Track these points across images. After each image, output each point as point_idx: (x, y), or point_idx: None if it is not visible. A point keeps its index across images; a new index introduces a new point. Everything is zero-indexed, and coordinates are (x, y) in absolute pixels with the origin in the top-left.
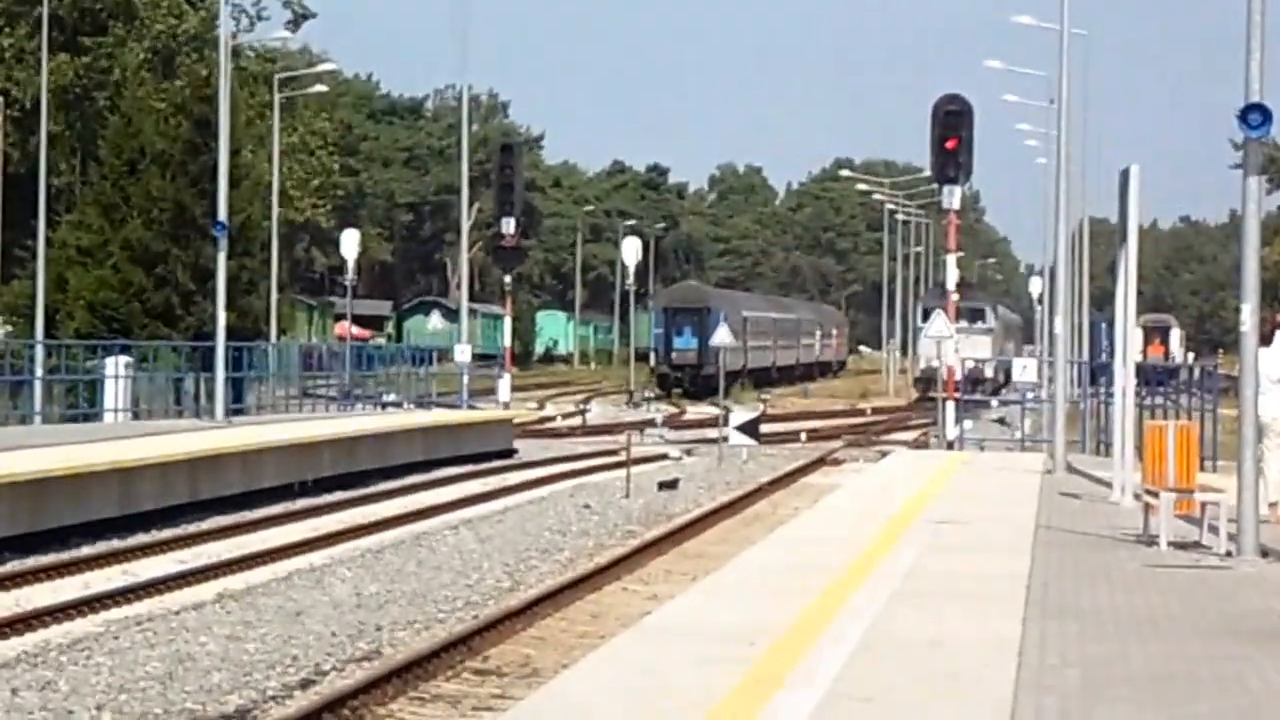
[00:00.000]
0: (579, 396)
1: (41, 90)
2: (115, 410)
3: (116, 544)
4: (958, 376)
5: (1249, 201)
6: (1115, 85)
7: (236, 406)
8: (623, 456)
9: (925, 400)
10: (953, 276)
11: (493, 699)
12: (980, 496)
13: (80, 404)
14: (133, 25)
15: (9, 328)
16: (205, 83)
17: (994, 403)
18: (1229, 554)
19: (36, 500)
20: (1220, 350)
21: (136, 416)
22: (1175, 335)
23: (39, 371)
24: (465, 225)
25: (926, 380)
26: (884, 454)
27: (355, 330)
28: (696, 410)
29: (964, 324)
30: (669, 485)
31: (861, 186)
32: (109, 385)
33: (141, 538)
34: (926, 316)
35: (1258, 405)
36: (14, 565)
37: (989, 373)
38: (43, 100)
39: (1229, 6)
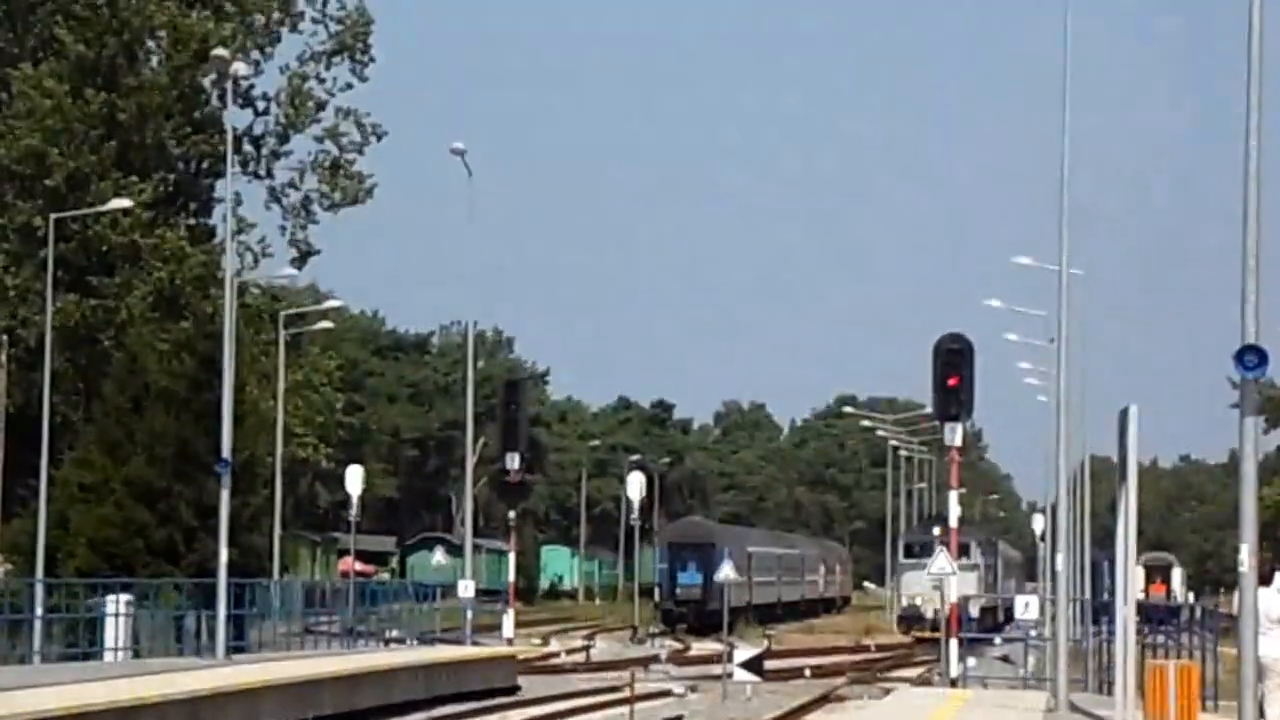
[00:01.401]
0: (583, 632)
1: (46, 330)
2: (115, 649)
3: None
4: (942, 616)
5: (1246, 442)
6: (1114, 324)
7: (238, 644)
8: (626, 693)
9: (924, 641)
10: (954, 513)
11: None
12: None
13: (80, 642)
14: (138, 268)
15: (9, 566)
16: (210, 320)
17: (997, 640)
18: None
19: None
20: (1221, 589)
21: (137, 655)
22: (1176, 574)
23: (39, 610)
24: (470, 461)
25: (910, 618)
26: (888, 691)
27: (359, 566)
28: (701, 646)
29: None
30: None
31: (864, 423)
32: (109, 623)
33: None
34: (909, 552)
35: (1258, 645)
36: None
37: (975, 611)
38: (47, 340)
39: (1226, 250)
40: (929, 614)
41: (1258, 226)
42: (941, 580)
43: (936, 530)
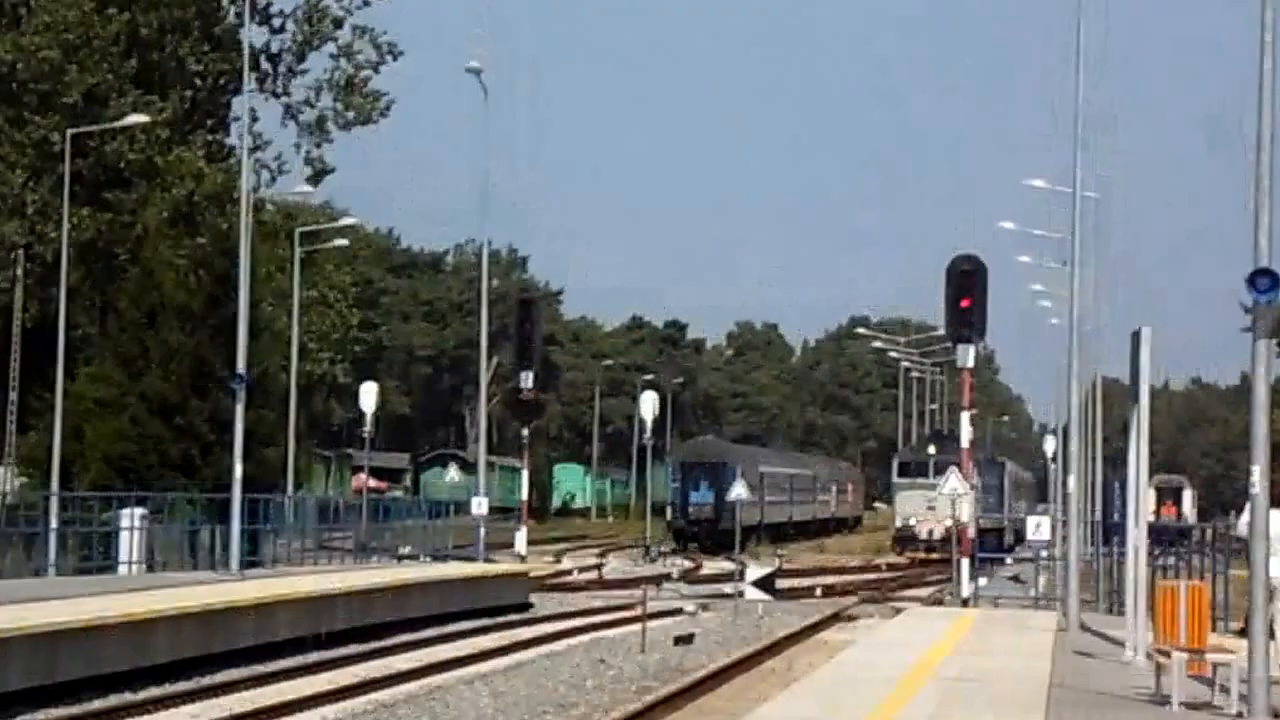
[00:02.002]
0: (596, 550)
1: (63, 245)
2: (130, 562)
3: (129, 698)
4: (937, 537)
5: (1258, 365)
6: (1126, 246)
7: (252, 559)
8: (638, 611)
9: (925, 563)
10: (966, 434)
11: None
12: (994, 653)
13: (95, 556)
14: (155, 184)
15: (25, 479)
16: (226, 236)
17: (1009, 560)
18: (1240, 715)
19: (49, 653)
20: (1232, 512)
21: (151, 569)
22: (1187, 496)
23: (54, 523)
24: (484, 379)
25: (904, 539)
26: (899, 610)
27: (372, 482)
28: (713, 565)
29: (941, 479)
30: (685, 640)
31: (877, 344)
32: (124, 537)
33: (154, 691)
34: (904, 472)
35: (1268, 567)
36: (25, 719)
37: (970, 531)
38: (63, 254)
39: (1238, 174)
40: (923, 534)
41: (1270, 148)
42: (937, 501)
43: (932, 449)
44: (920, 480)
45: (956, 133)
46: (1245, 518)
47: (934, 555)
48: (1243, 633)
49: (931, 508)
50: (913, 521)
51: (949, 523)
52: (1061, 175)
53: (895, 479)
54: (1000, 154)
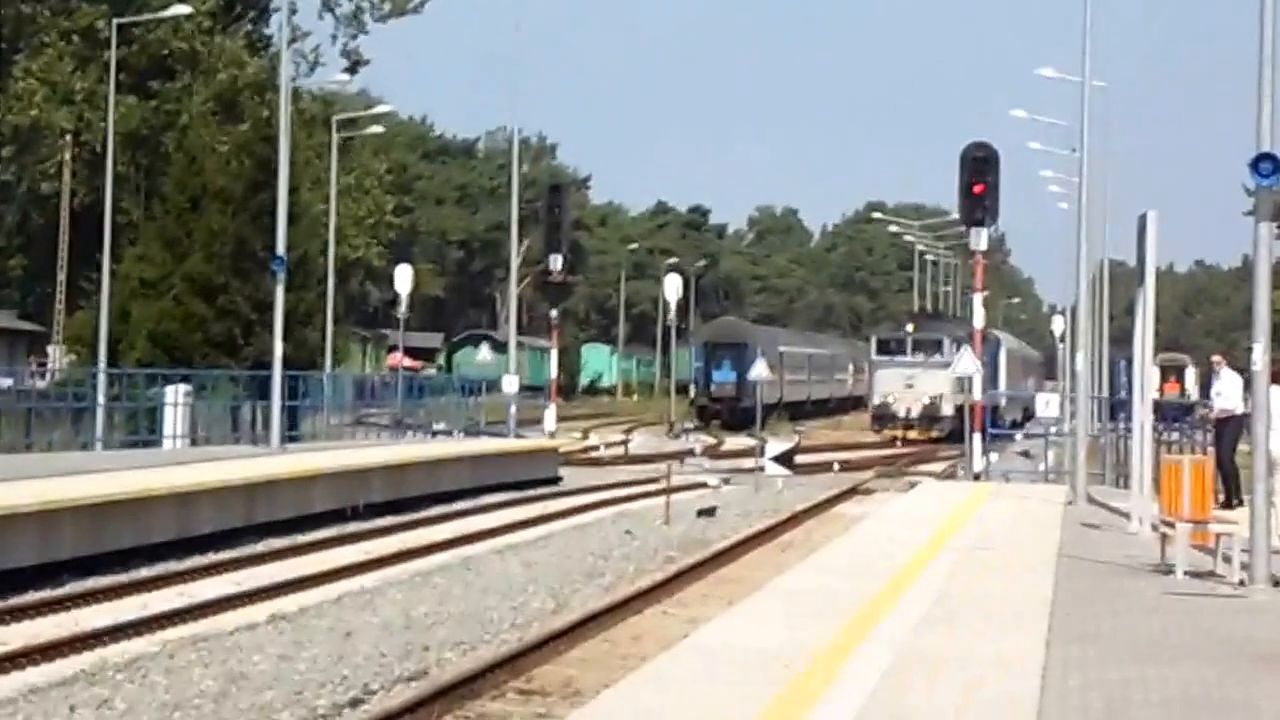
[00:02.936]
0: (622, 427)
1: (108, 131)
2: (174, 437)
3: (174, 566)
4: (915, 415)
5: (1259, 247)
6: (1133, 133)
7: (292, 434)
8: (663, 485)
9: (906, 441)
10: (979, 316)
11: (536, 718)
12: (1005, 526)
13: (140, 431)
14: (198, 73)
15: (73, 356)
16: (266, 124)
17: (1019, 436)
18: (1242, 583)
19: (97, 524)
20: (1216, 393)
21: (194, 443)
22: (1190, 374)
23: (101, 399)
24: (514, 262)
25: (882, 416)
26: (913, 484)
27: (407, 361)
28: (734, 441)
29: (920, 357)
30: (707, 513)
31: (893, 228)
32: (168, 413)
33: (199, 560)
34: (882, 349)
35: (1269, 441)
36: (74, 587)
37: (948, 410)
38: (109, 140)
39: (1242, 59)
40: (901, 413)
41: (1274, 33)
42: (915, 379)
43: (910, 328)
44: (899, 359)
45: (972, 22)
46: (1220, 394)
47: (911, 433)
48: (1222, 505)
49: (910, 386)
50: (890, 400)
51: (926, 401)
52: (1071, 64)
53: (874, 356)
54: (1012, 44)
